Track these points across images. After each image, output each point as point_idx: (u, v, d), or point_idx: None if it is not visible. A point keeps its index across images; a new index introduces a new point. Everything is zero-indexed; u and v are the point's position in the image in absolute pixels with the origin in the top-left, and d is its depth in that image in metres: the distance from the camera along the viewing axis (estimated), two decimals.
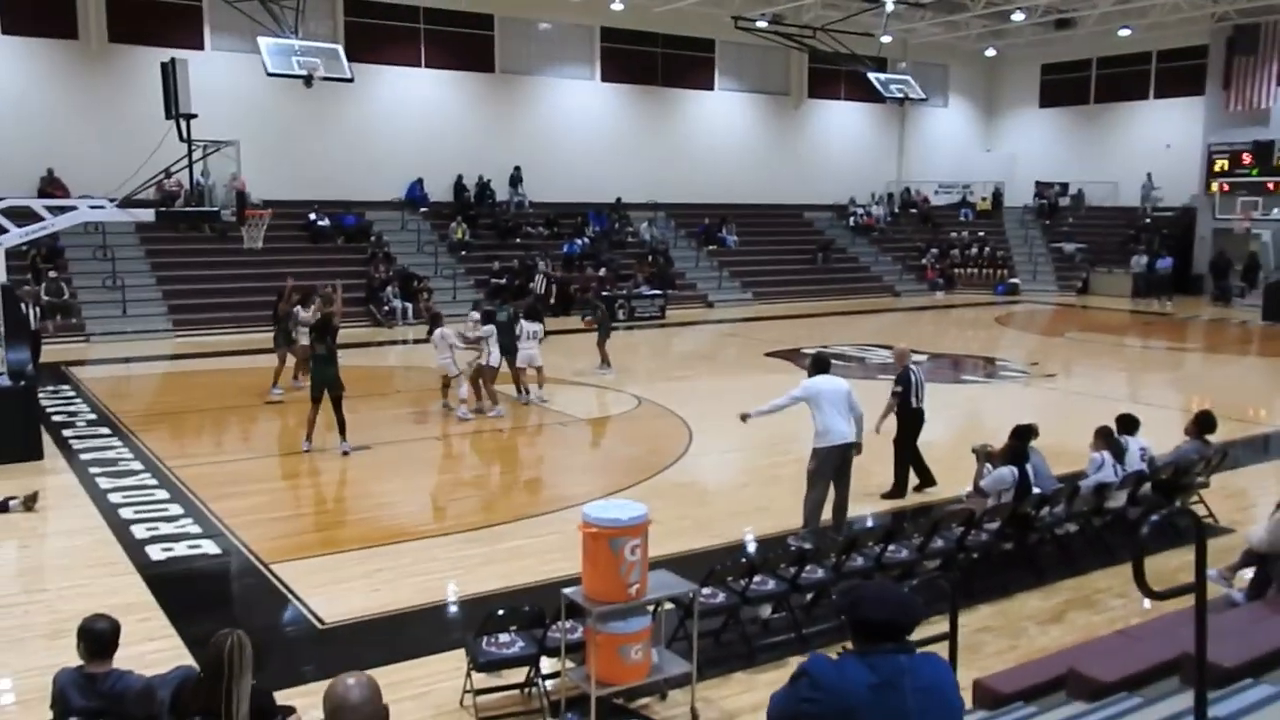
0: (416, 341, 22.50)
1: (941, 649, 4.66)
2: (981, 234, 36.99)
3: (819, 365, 9.55)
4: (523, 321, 15.42)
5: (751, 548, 9.29)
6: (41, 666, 6.44)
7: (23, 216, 13.26)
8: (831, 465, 9.18)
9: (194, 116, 12.93)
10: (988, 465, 9.06)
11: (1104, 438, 9.45)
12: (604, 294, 25.15)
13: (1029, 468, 8.79)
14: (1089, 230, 36.51)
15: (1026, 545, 8.59)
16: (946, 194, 39.80)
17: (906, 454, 10.69)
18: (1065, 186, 38.23)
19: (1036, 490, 8.71)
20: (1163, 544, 7.99)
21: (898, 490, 10.72)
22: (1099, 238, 35.88)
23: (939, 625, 5.52)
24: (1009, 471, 8.70)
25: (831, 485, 9.28)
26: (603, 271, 28.61)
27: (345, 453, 12.38)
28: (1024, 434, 9.21)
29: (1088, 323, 28.27)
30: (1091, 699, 5.17)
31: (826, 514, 9.33)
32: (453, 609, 7.99)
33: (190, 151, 12.97)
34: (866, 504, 10.41)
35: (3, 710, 6.29)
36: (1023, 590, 8.18)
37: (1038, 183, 38.60)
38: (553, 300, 26.41)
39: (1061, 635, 7.39)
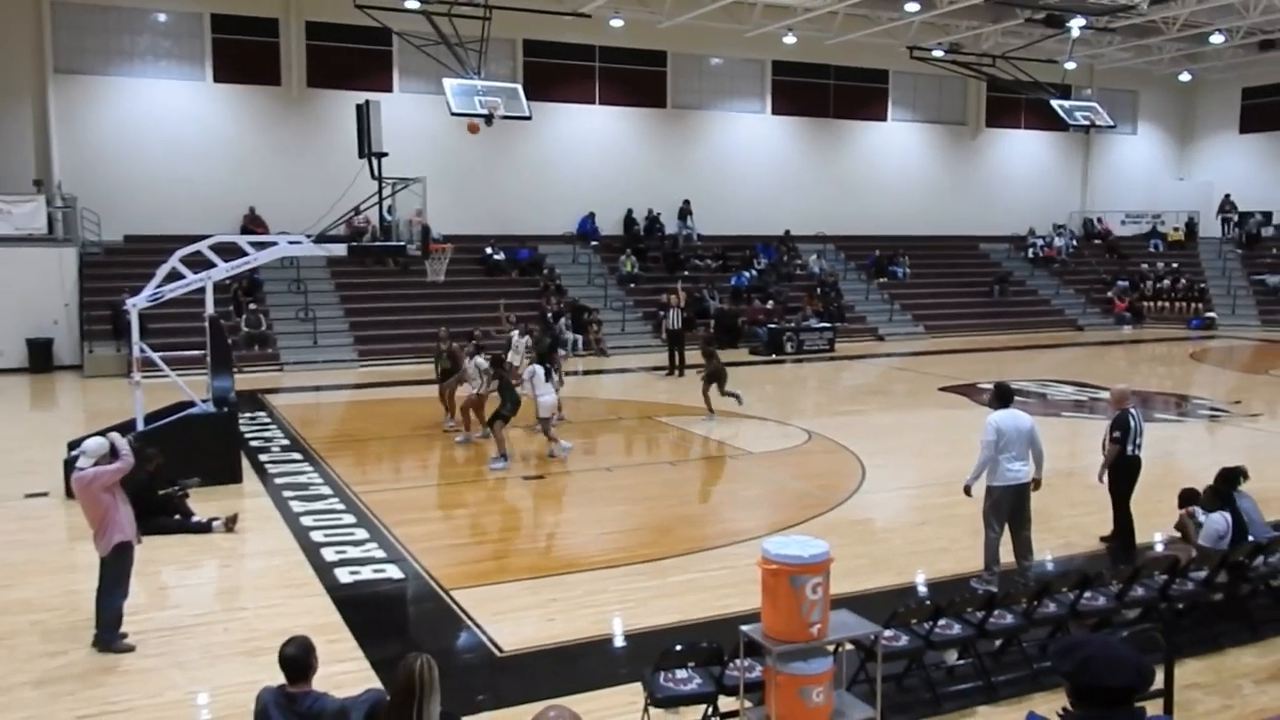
0: (587, 373, 22.88)
1: (1153, 706, 4.31)
2: (1174, 265, 35.01)
3: (1002, 397, 8.99)
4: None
5: (933, 589, 8.92)
6: (239, 683, 6.75)
7: (228, 252, 14.15)
8: (1006, 505, 8.74)
9: (385, 155, 13.52)
10: (1198, 510, 8.32)
11: None
12: (715, 336, 22.39)
13: (1241, 511, 8.12)
14: None
15: (1238, 596, 7.93)
16: (1135, 224, 37.94)
17: (1125, 501, 9.90)
18: (1269, 215, 35.83)
19: (1250, 538, 8.05)
20: None
21: (1120, 536, 9.92)
22: None
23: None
24: (1222, 518, 8.04)
25: (1008, 526, 8.85)
26: (770, 304, 28.42)
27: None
28: (1231, 477, 8.56)
29: None
30: None
31: (1008, 556, 8.90)
32: (627, 642, 7.94)
33: (381, 188, 13.54)
34: (1061, 549, 9.90)
35: None
36: (1235, 645, 7.55)
37: (1225, 205, 36.16)
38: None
39: None
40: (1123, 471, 9.78)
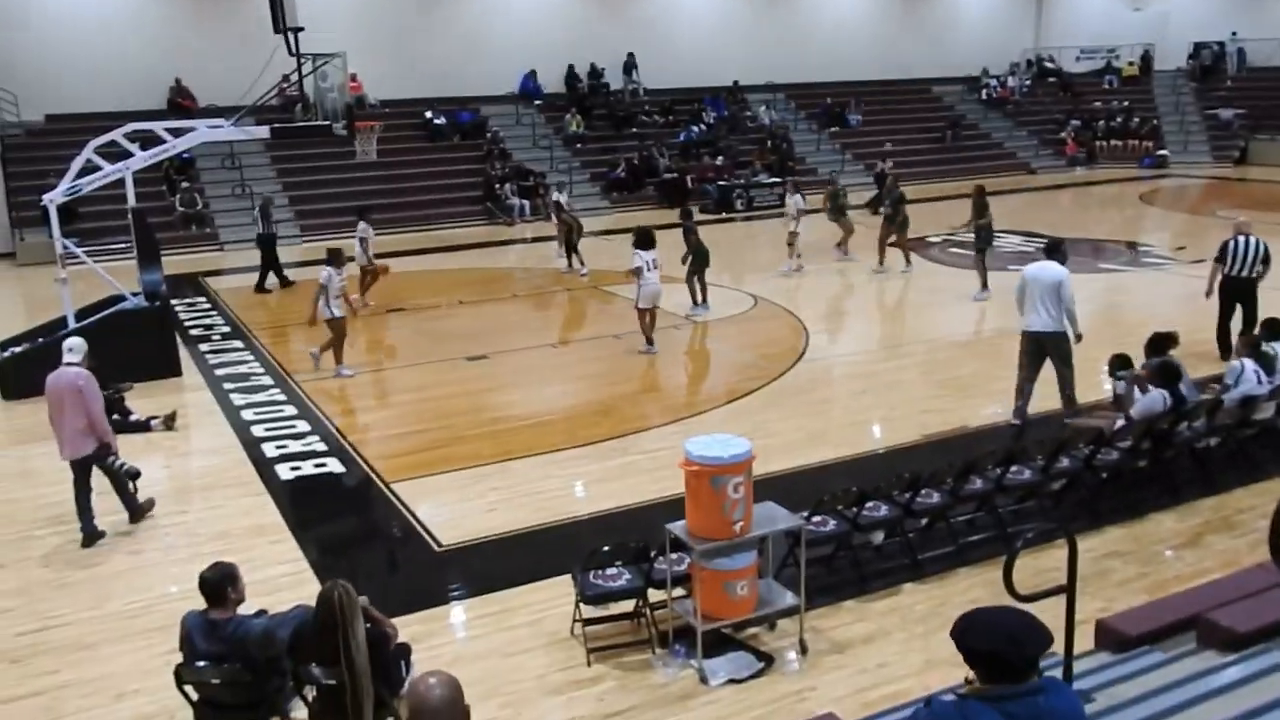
0: (535, 240, 22.55)
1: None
2: (1127, 103, 34.67)
3: (1048, 250, 9.64)
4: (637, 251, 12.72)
5: (869, 461, 9.04)
6: (181, 591, 6.74)
7: (145, 140, 13.52)
8: (1026, 351, 9.51)
9: (300, 30, 12.82)
10: (1135, 390, 8.30)
11: (1249, 345, 8.77)
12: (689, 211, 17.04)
13: (1182, 387, 8.16)
14: (1250, 94, 33.77)
15: (1162, 461, 8.07)
16: (1089, 59, 37.28)
17: (1226, 318, 11.56)
18: (1222, 46, 35.30)
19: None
20: None
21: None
22: (1261, 101, 33.14)
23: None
24: (1160, 396, 8.04)
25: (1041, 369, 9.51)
26: (720, 160, 27.95)
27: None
28: (1161, 344, 8.65)
29: (1244, 198, 26.34)
30: (1225, 649, 4.88)
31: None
32: (567, 532, 8.00)
33: (300, 66, 12.91)
34: (994, 417, 10.06)
35: (146, 633, 6.59)
36: (1156, 510, 7.74)
37: (1195, 43, 35.58)
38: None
39: (1198, 561, 7.00)
40: (1222, 290, 11.52)
